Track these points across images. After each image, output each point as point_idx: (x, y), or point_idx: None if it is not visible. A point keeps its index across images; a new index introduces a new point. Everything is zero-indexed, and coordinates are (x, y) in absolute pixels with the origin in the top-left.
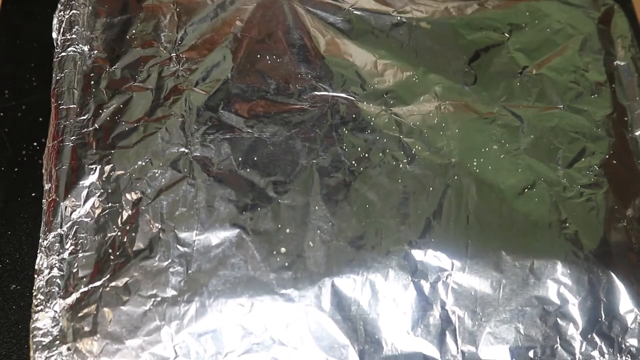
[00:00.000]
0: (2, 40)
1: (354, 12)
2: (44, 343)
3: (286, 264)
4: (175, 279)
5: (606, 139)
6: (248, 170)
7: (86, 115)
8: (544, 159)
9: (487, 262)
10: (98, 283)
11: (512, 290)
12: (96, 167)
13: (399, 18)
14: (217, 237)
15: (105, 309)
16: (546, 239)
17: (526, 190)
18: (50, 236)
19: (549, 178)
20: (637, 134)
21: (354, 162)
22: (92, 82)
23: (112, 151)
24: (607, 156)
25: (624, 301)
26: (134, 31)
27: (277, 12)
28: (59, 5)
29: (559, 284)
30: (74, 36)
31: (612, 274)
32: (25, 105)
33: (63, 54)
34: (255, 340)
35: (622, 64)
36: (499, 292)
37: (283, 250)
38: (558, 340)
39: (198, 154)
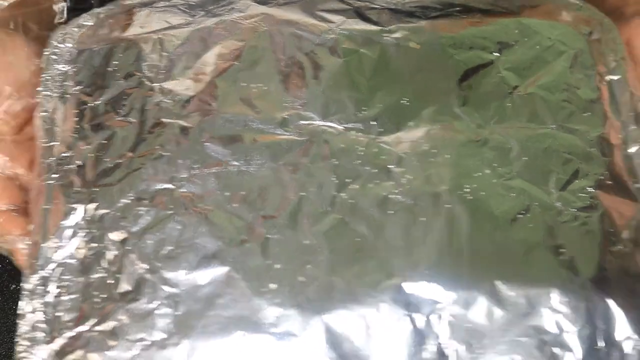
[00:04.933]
0: None
1: (341, 32)
2: None
3: (277, 300)
4: (164, 321)
5: (600, 159)
6: (235, 205)
7: (69, 153)
8: (538, 182)
9: (481, 292)
10: (84, 328)
11: (508, 321)
12: (79, 207)
13: (386, 38)
14: (205, 275)
15: (92, 355)
16: (542, 266)
17: (520, 215)
18: (33, 279)
19: (543, 202)
20: (630, 151)
21: (343, 194)
22: (75, 119)
23: (96, 189)
24: (601, 177)
25: (621, 328)
26: (115, 62)
27: (261, 38)
28: None
29: (555, 313)
30: (55, 71)
31: (610, 300)
32: None
33: (45, 92)
34: None
35: (615, 78)
36: (494, 323)
37: (273, 286)
38: None
39: (184, 190)
